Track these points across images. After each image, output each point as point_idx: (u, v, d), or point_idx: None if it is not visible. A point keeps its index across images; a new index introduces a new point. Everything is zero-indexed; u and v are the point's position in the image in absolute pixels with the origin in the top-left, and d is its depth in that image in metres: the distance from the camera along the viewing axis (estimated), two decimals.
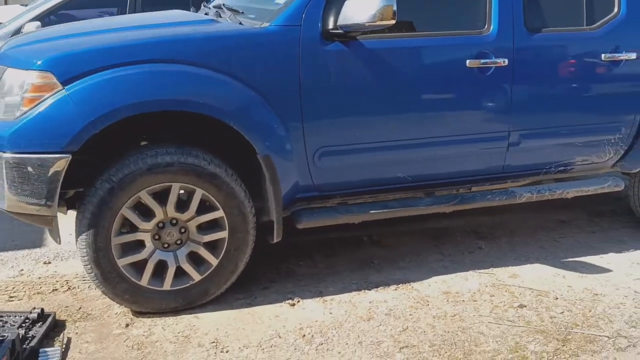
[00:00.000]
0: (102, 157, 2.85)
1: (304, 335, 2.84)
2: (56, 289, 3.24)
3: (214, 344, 2.77)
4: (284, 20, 2.95)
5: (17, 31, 6.03)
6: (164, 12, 3.73)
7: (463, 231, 4.09)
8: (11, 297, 3.16)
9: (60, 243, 2.90)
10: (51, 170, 2.64)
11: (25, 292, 3.21)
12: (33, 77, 2.67)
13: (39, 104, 2.66)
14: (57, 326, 2.88)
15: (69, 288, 3.26)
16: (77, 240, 2.83)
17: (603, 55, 3.50)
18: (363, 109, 3.11)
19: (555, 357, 2.71)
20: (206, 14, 3.60)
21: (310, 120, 3.01)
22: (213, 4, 3.80)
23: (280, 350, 2.72)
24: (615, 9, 3.54)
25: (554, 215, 4.44)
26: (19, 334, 2.54)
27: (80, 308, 3.06)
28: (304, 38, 2.94)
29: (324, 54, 2.98)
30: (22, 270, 3.46)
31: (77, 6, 6.42)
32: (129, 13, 6.31)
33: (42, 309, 2.89)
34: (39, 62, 2.68)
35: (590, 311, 3.10)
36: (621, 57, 3.54)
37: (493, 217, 4.29)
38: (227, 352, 2.71)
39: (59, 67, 2.68)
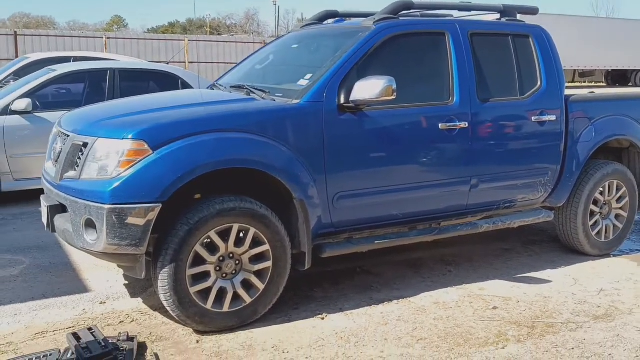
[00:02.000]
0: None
1: (342, 338, 3.65)
2: (122, 321, 3.87)
3: (275, 348, 3.52)
4: (311, 98, 3.88)
5: (6, 108, 6.61)
6: (199, 91, 4.56)
7: (433, 260, 5.07)
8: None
9: (143, 277, 3.58)
10: (147, 217, 3.38)
11: (97, 325, 3.81)
12: (129, 145, 3.43)
13: (134, 165, 3.41)
14: (140, 346, 3.52)
15: (132, 320, 3.89)
16: (159, 273, 3.52)
17: (533, 118, 4.68)
18: (368, 162, 4.06)
19: (528, 338, 3.69)
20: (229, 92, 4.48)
21: (331, 172, 3.92)
22: (229, 84, 4.68)
23: (328, 348, 3.52)
24: (539, 83, 4.76)
25: (498, 245, 5.54)
26: (133, 348, 3.20)
27: (151, 333, 3.71)
28: (326, 110, 3.89)
29: (340, 122, 3.93)
30: (84, 309, 4.05)
31: (60, 82, 7.11)
32: (108, 88, 7.07)
33: (128, 333, 3.53)
34: (133, 133, 3.45)
35: (544, 308, 4.13)
36: (545, 119, 4.74)
37: (454, 248, 5.32)
38: (287, 352, 3.48)
39: (149, 136, 3.45)
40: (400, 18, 4.45)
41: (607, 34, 32.14)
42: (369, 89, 3.84)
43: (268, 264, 3.79)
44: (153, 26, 64.20)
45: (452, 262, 5.04)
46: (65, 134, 3.87)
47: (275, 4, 61.51)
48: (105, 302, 4.17)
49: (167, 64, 8.71)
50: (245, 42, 29.32)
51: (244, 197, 3.68)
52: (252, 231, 3.70)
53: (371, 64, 4.10)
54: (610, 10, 67.70)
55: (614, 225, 5.30)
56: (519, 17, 5.06)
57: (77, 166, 3.63)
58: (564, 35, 22.89)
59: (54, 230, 3.85)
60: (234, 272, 3.73)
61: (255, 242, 3.75)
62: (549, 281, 4.65)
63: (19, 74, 9.15)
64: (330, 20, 5.34)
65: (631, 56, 33.25)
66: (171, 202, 3.48)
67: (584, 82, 35.36)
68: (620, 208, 5.32)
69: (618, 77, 35.20)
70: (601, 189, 5.17)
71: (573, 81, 33.90)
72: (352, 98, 3.90)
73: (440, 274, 4.78)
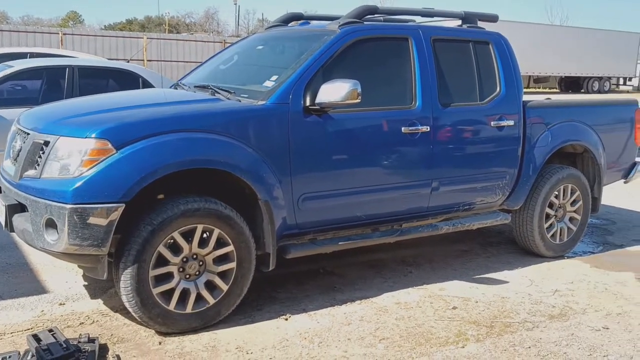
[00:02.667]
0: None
1: (305, 338, 3.68)
2: (82, 323, 3.80)
3: (238, 349, 3.53)
4: (277, 99, 3.90)
5: None
6: (163, 90, 4.52)
7: (395, 261, 5.14)
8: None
9: (105, 278, 3.53)
10: (109, 217, 3.34)
11: (57, 326, 3.73)
12: (92, 144, 3.38)
13: (96, 164, 3.36)
14: (102, 348, 3.47)
15: (93, 321, 3.83)
16: (121, 273, 3.48)
17: (492, 123, 4.80)
18: (333, 164, 4.10)
19: (487, 337, 3.78)
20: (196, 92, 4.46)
21: (296, 174, 3.94)
22: (192, 84, 4.66)
23: (292, 349, 3.54)
24: (498, 89, 4.88)
25: (457, 247, 5.65)
26: (95, 349, 3.16)
27: (112, 335, 3.66)
28: (292, 112, 3.91)
29: (305, 124, 3.96)
30: (42, 311, 3.97)
31: (17, 78, 6.95)
32: (66, 85, 6.93)
33: (89, 335, 3.48)
34: (97, 132, 3.40)
35: (502, 308, 4.23)
36: (503, 124, 4.86)
37: (414, 250, 5.41)
38: (251, 353, 3.48)
39: (113, 135, 3.41)
40: (365, 22, 4.50)
41: (561, 42, 33.07)
42: (334, 91, 3.88)
43: (232, 265, 3.78)
44: (110, 23, 62.98)
45: (413, 263, 5.12)
46: (25, 132, 3.79)
47: (235, 4, 61.15)
48: (64, 304, 4.09)
49: (128, 61, 8.59)
50: (205, 42, 29.02)
51: (208, 198, 3.67)
52: (217, 232, 3.69)
53: (336, 67, 4.14)
54: (564, 18, 69.58)
55: (568, 228, 5.47)
56: (479, 24, 5.18)
57: (38, 165, 3.56)
58: (519, 42, 23.45)
59: (12, 230, 3.76)
60: (197, 273, 3.71)
61: (220, 243, 3.74)
62: (506, 282, 4.77)
63: None
64: (294, 23, 5.37)
65: (584, 63, 34.30)
66: (134, 202, 3.45)
67: (538, 87, 36.31)
68: (574, 211, 5.50)
69: (571, 84, 36.26)
70: (556, 193, 5.33)
71: (528, 87, 34.79)
72: (317, 100, 3.93)
73: (401, 274, 4.85)
